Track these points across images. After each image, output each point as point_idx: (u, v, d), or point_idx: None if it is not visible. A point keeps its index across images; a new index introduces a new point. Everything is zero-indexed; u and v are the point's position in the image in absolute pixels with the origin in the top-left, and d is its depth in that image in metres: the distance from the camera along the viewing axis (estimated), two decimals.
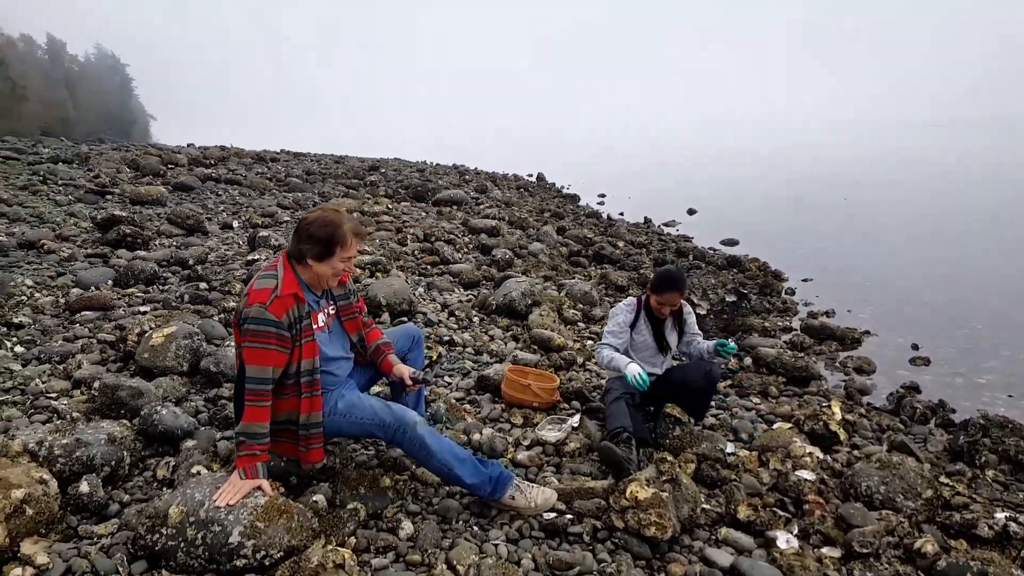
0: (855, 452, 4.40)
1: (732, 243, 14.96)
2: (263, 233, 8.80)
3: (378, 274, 7.90)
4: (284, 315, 2.98)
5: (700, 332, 4.62)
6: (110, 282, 6.60)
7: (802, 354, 6.52)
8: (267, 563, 2.67)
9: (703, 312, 7.40)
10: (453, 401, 4.48)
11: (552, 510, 3.35)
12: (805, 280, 10.94)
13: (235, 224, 10.62)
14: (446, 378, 5.09)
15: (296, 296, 3.04)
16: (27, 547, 2.66)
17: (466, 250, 10.37)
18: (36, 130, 46.89)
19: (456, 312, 6.81)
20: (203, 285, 6.66)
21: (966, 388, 6.33)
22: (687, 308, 4.58)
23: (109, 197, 12.28)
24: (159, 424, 3.63)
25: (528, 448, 4.06)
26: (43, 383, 4.26)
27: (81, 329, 5.25)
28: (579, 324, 7.15)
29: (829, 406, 4.92)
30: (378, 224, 11.92)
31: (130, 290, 6.43)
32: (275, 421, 3.08)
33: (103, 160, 18.32)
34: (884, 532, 3.28)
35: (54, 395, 4.13)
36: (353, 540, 3.00)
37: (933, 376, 6.60)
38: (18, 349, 4.83)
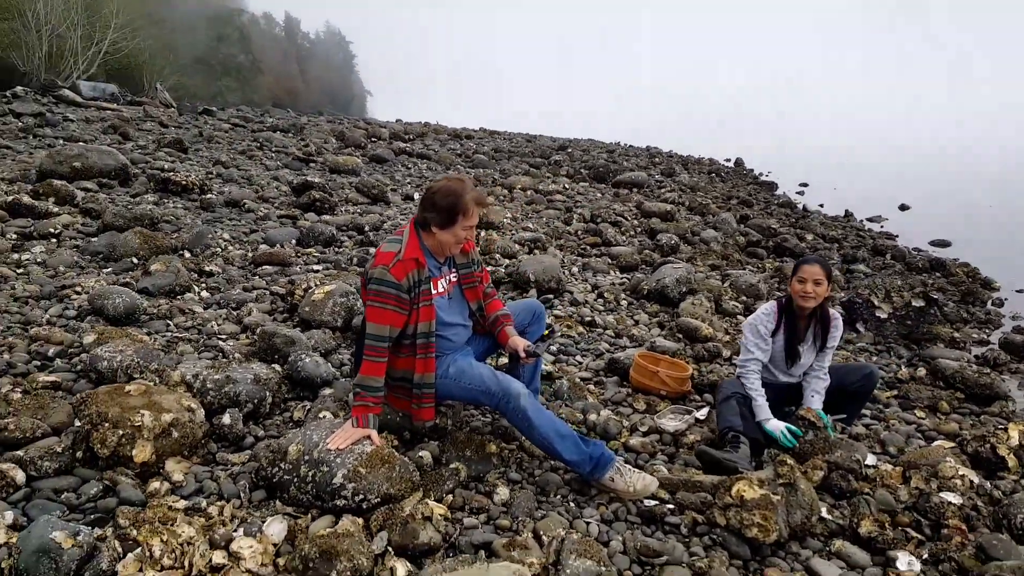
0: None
1: (943, 244, 13.47)
2: None
3: (536, 251, 8.03)
4: (404, 278, 3.15)
5: (831, 357, 4.14)
6: (293, 241, 7.31)
7: (990, 370, 5.75)
8: (364, 506, 2.86)
9: (884, 316, 6.75)
10: (578, 380, 4.48)
11: (653, 498, 3.27)
12: (1020, 291, 9.60)
13: (416, 196, 11.24)
14: (578, 358, 5.10)
15: (417, 261, 3.20)
16: (170, 465, 3.06)
17: (632, 233, 10.24)
18: (268, 102, 52.45)
19: (605, 294, 6.77)
20: (372, 250, 7.15)
21: None
22: (835, 322, 4.10)
23: (312, 164, 13.49)
24: (302, 371, 3.99)
25: (645, 435, 3.98)
26: (217, 325, 4.83)
27: (259, 281, 5.88)
28: (738, 317, 6.82)
29: (1006, 428, 4.33)
30: (549, 203, 12.09)
31: (309, 250, 7.07)
32: (392, 377, 3.28)
33: (315, 131, 20.17)
34: None
35: (224, 336, 4.67)
36: (450, 497, 3.12)
37: None
38: (204, 294, 5.50)
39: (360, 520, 2.80)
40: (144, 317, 4.83)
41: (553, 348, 5.06)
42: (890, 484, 3.60)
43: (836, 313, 4.09)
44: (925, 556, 3.05)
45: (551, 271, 6.51)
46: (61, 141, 12.45)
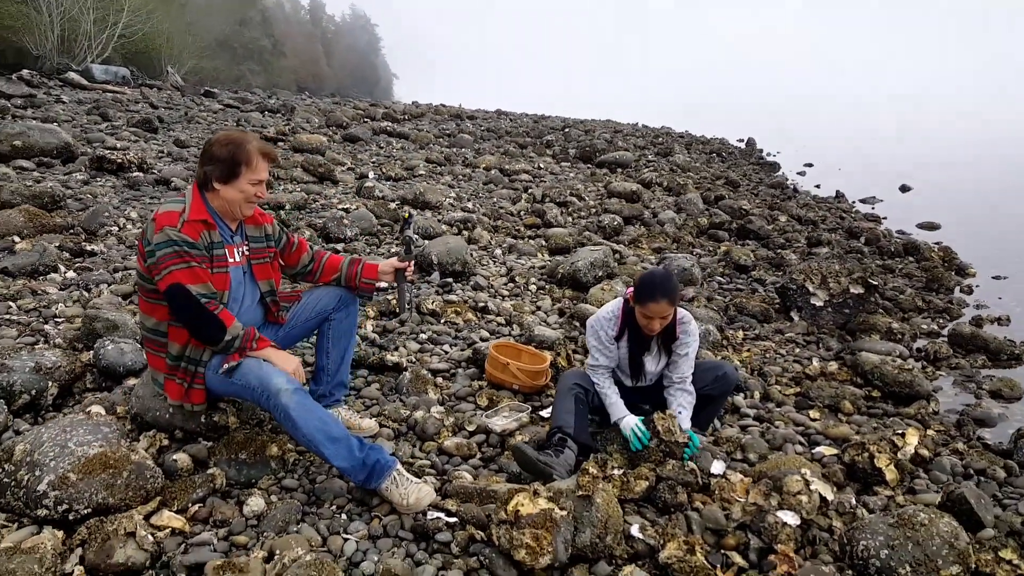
0: (899, 499, 3.43)
1: (932, 227, 12.79)
2: (368, 184, 8.91)
3: (464, 232, 7.66)
4: (199, 238, 2.84)
5: (692, 365, 3.58)
6: None
7: (917, 366, 5.28)
8: (71, 517, 2.54)
9: (819, 304, 6.27)
10: (424, 372, 4.12)
11: (439, 509, 2.92)
12: (997, 277, 9.02)
13: (371, 175, 10.89)
14: (446, 347, 4.73)
15: (206, 223, 2.88)
16: None
17: (585, 214, 9.78)
18: (293, 85, 52.34)
19: (517, 278, 6.38)
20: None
21: None
22: (689, 330, 3.57)
23: (279, 143, 13.19)
24: (103, 358, 3.68)
25: (471, 435, 3.61)
26: (64, 308, 4.53)
27: (134, 262, 5.57)
28: None
29: (903, 434, 3.91)
30: (510, 182, 11.68)
31: None
32: (171, 356, 2.95)
33: (303, 111, 19.89)
34: None
35: (61, 320, 4.37)
36: (196, 508, 2.80)
37: None
38: (70, 275, 5.21)
39: (61, 534, 2.49)
40: None
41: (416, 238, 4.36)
42: (729, 498, 3.20)
43: (686, 316, 3.60)
44: None
45: (456, 253, 6.13)
46: (34, 121, 12.28)
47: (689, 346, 3.54)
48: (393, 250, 6.55)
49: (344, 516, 2.88)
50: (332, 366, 3.43)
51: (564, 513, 2.72)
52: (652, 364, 3.60)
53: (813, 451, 3.85)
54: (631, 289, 3.50)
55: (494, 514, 2.73)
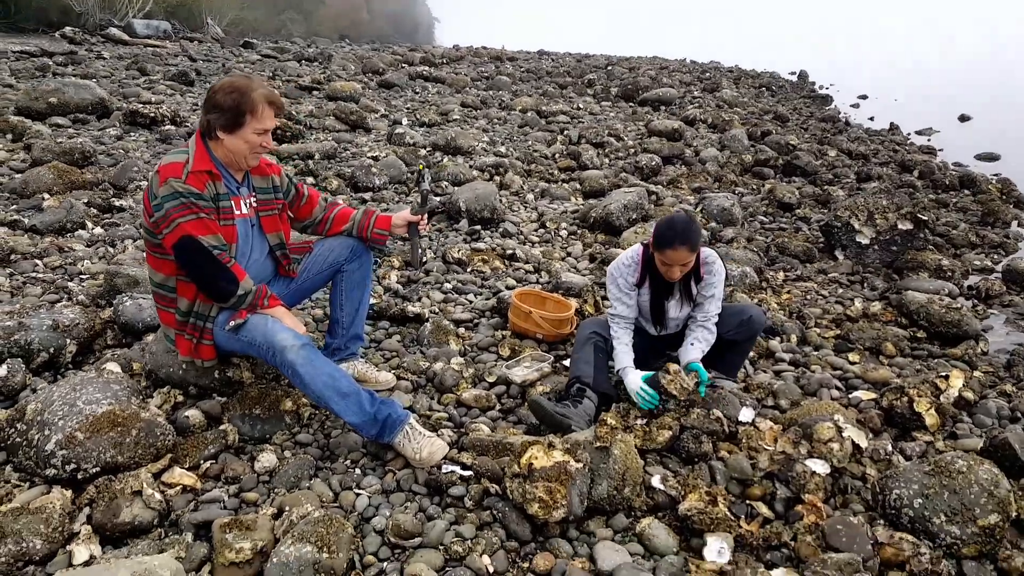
0: (939, 446, 3.24)
1: (991, 158, 12.10)
2: (399, 130, 8.74)
3: (497, 177, 7.47)
4: (205, 189, 2.75)
5: (720, 304, 3.38)
6: None
7: (968, 305, 4.94)
8: (79, 476, 2.53)
9: (865, 241, 5.93)
10: (445, 323, 4.01)
11: (455, 462, 2.85)
12: None
13: (404, 121, 10.70)
14: (470, 296, 4.61)
15: (211, 173, 2.79)
16: None
17: (624, 155, 9.46)
18: (335, 34, 51.91)
19: (548, 223, 6.20)
20: (309, 180, 6.75)
21: None
22: (714, 270, 3.34)
23: (315, 92, 13.06)
24: (122, 315, 3.67)
25: (491, 386, 3.52)
26: (90, 265, 4.55)
27: None
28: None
29: (947, 376, 3.67)
30: (547, 124, 11.37)
31: None
32: (180, 311, 2.90)
33: (340, 59, 19.67)
34: (862, 567, 2.30)
35: (87, 276, 4.39)
36: (208, 464, 2.77)
37: None
38: (97, 231, 5.23)
39: (69, 493, 2.49)
40: (15, 257, 4.59)
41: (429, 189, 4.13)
42: (757, 447, 3.05)
43: (711, 256, 3.37)
44: (758, 539, 2.53)
45: (484, 199, 5.96)
46: (71, 78, 12.38)
47: (715, 287, 3.35)
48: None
49: (358, 471, 2.83)
50: (346, 319, 3.35)
51: (580, 465, 2.61)
52: (675, 310, 3.42)
53: (850, 396, 3.67)
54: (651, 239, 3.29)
55: (507, 467, 2.64)
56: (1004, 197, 8.69)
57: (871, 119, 17.02)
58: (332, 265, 3.31)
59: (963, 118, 17.49)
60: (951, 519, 2.54)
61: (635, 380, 3.19)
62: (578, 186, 7.64)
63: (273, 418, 3.03)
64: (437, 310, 4.34)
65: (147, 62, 15.43)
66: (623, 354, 3.31)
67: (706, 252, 3.35)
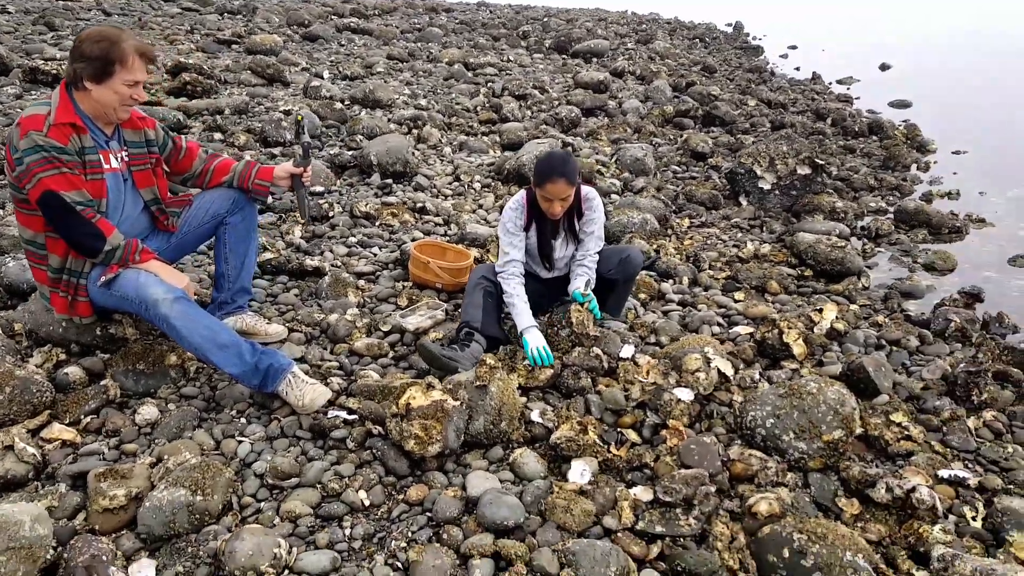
0: (804, 372, 3.46)
1: (903, 105, 12.51)
2: (315, 84, 8.59)
3: (415, 130, 7.43)
4: (68, 142, 2.68)
5: (600, 242, 3.57)
6: None
7: (849, 245, 5.17)
8: None
9: (767, 187, 6.14)
10: (345, 276, 4.05)
11: (341, 407, 2.93)
12: (956, 152, 8.91)
13: (325, 75, 10.48)
14: (375, 249, 4.65)
15: (75, 126, 2.72)
16: None
17: (544, 107, 9.48)
18: None
19: (462, 176, 6.23)
20: (217, 136, 6.61)
21: None
22: (593, 206, 3.51)
23: (234, 46, 12.63)
24: (5, 276, 3.61)
25: (386, 335, 3.59)
26: None
27: None
28: (612, 196, 6.30)
29: (821, 309, 3.89)
30: (476, 74, 11.31)
31: None
32: (52, 268, 2.87)
33: (265, 11, 18.98)
34: (707, 480, 2.49)
35: None
36: (88, 420, 2.79)
37: None
38: None
39: None
40: None
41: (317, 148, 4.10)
42: (632, 380, 3.21)
43: (590, 193, 3.53)
44: (623, 462, 2.70)
45: (396, 152, 5.95)
46: None
47: (595, 222, 3.51)
48: (335, 152, 6.35)
49: (243, 420, 2.90)
50: (232, 272, 3.36)
51: (457, 403, 2.73)
52: (561, 249, 3.57)
53: (730, 332, 3.85)
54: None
55: (387, 409, 2.74)
56: (908, 142, 9.05)
57: (797, 69, 17.31)
58: (214, 217, 3.30)
59: (883, 67, 17.94)
60: (799, 436, 2.75)
61: (537, 338, 3.29)
62: (497, 139, 7.66)
63: (157, 373, 3.06)
64: (340, 264, 4.37)
65: (56, 16, 14.64)
66: (524, 313, 3.39)
67: (586, 189, 3.49)
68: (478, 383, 2.85)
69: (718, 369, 3.16)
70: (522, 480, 2.62)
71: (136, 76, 2.77)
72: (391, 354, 3.45)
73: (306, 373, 3.20)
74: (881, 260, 5.36)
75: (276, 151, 6.41)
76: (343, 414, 2.89)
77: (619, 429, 2.96)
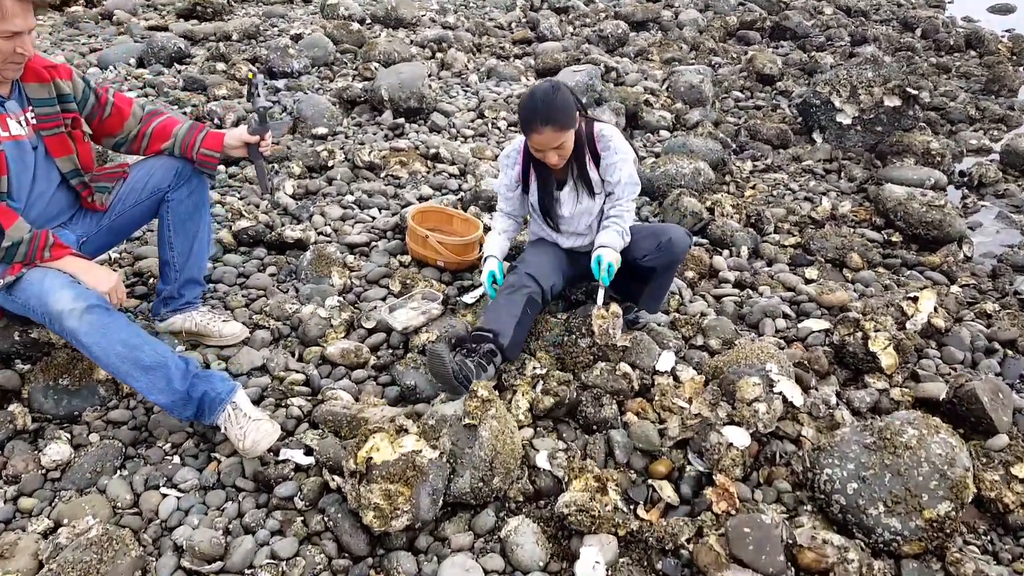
0: (895, 394, 2.71)
1: (1006, 11, 10.82)
2: (331, 1, 7.70)
3: (438, 55, 6.58)
4: None
5: (635, 187, 2.77)
6: (132, 61, 6.04)
7: (949, 201, 4.24)
8: None
9: (847, 121, 5.15)
10: (331, 251, 3.37)
11: (301, 447, 2.34)
12: None
13: None
14: (373, 211, 3.96)
15: None
16: None
17: (588, 21, 8.40)
18: None
19: (486, 112, 5.42)
20: (219, 66, 5.90)
21: None
22: (612, 146, 2.71)
23: None
24: None
25: (369, 332, 2.96)
26: None
27: None
28: (661, 132, 5.43)
29: (915, 298, 3.09)
30: None
31: (141, 71, 5.85)
32: None
33: None
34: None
35: None
36: None
37: None
38: None
39: None
40: None
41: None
42: (671, 406, 2.52)
43: (605, 129, 2.73)
44: (651, 536, 2.06)
45: (409, 86, 5.15)
46: None
47: (617, 167, 2.72)
48: (341, 84, 5.58)
49: (176, 459, 2.33)
50: (178, 259, 2.73)
51: (435, 455, 2.10)
52: (570, 206, 2.83)
53: (799, 327, 3.10)
54: None
55: (344, 461, 2.13)
56: (1015, 58, 7.74)
57: None
58: (153, 193, 2.65)
59: None
60: (891, 509, 2.05)
61: (492, 265, 2.84)
62: (532, 62, 6.74)
63: (84, 390, 2.50)
64: (331, 231, 3.71)
65: None
66: (493, 242, 2.92)
67: (600, 126, 2.75)
68: (467, 421, 2.21)
69: (783, 396, 2.44)
70: (515, 571, 2.00)
71: (13, 25, 2.09)
72: (372, 361, 2.81)
73: (264, 391, 2.63)
74: (985, 218, 4.42)
75: (281, 83, 5.69)
76: (298, 455, 2.30)
77: (650, 480, 2.30)
